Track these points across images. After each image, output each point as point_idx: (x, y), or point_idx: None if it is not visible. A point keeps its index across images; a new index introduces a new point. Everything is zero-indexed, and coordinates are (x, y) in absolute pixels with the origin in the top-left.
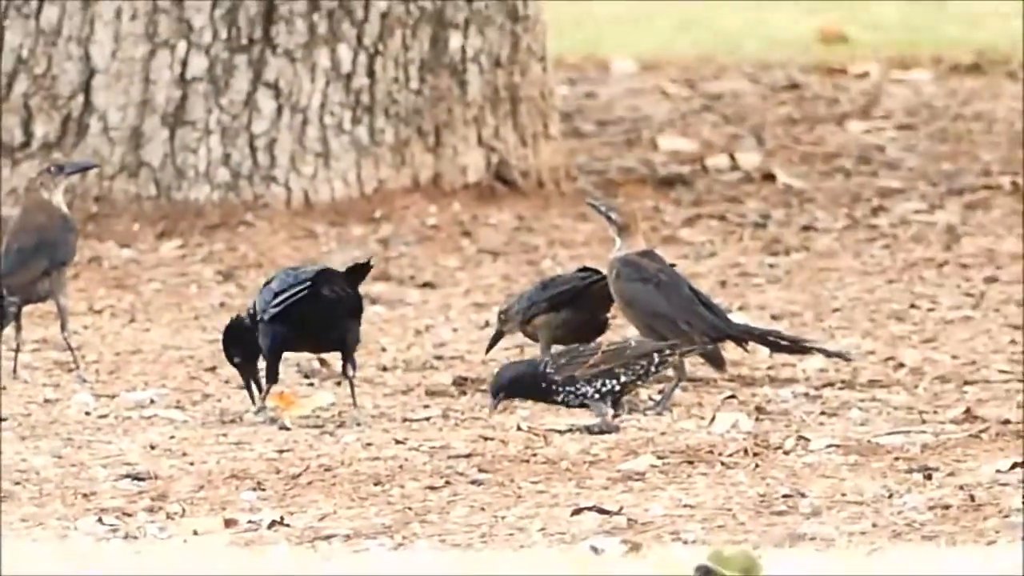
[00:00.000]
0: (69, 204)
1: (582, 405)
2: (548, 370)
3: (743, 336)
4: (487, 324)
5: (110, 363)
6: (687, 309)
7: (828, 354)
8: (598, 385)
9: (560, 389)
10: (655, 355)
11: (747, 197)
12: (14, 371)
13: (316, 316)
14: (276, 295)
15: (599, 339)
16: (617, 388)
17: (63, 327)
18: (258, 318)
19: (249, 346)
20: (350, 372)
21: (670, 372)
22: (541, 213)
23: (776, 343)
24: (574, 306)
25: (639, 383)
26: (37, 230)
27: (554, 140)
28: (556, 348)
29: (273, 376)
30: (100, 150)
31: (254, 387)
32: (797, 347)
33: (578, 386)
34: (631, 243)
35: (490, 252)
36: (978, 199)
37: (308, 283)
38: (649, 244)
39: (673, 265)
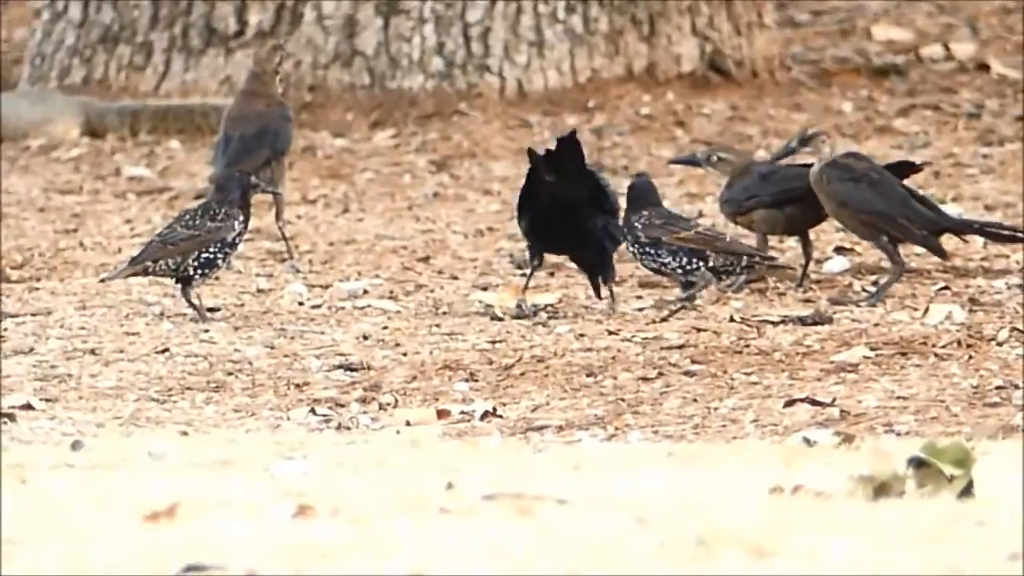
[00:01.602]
0: (283, 93)
1: (657, 270)
2: (637, 223)
3: (961, 229)
4: (700, 214)
5: (323, 253)
6: (903, 204)
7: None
8: (681, 260)
9: (640, 246)
10: (744, 257)
11: (961, 87)
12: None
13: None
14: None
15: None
16: (698, 271)
17: (278, 216)
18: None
19: None
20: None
21: (885, 264)
22: (755, 103)
23: (994, 233)
24: (798, 204)
25: (719, 277)
26: (258, 119)
27: (768, 29)
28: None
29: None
30: (314, 39)
31: None
32: (1015, 237)
33: (660, 251)
34: (834, 146)
35: (704, 142)
36: None
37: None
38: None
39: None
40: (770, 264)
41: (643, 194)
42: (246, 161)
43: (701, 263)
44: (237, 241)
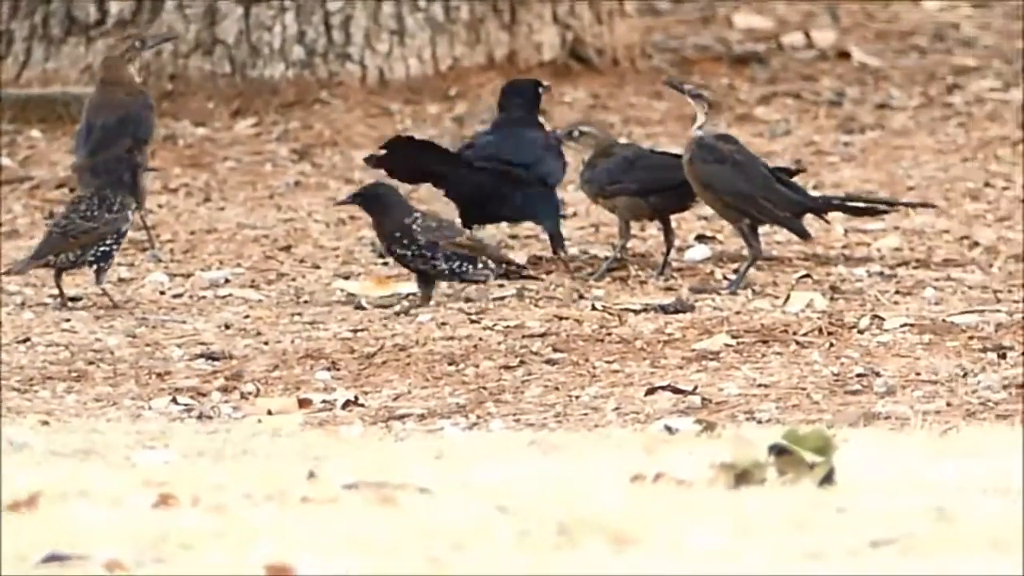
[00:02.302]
0: (144, 82)
1: (420, 271)
2: (415, 226)
3: (823, 208)
4: (563, 203)
5: (185, 242)
6: (765, 186)
7: (911, 205)
8: (454, 265)
9: (416, 248)
10: (504, 265)
11: (822, 75)
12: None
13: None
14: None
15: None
16: (467, 275)
17: (139, 206)
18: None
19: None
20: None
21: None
22: (616, 91)
23: (856, 208)
24: (662, 194)
25: (483, 281)
26: (119, 107)
27: (629, 17)
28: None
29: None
30: (175, 27)
31: None
32: (877, 209)
33: (436, 255)
34: (716, 122)
35: None
36: None
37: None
38: (725, 122)
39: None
40: (523, 275)
41: (391, 202)
42: (108, 149)
43: (468, 266)
44: (127, 231)
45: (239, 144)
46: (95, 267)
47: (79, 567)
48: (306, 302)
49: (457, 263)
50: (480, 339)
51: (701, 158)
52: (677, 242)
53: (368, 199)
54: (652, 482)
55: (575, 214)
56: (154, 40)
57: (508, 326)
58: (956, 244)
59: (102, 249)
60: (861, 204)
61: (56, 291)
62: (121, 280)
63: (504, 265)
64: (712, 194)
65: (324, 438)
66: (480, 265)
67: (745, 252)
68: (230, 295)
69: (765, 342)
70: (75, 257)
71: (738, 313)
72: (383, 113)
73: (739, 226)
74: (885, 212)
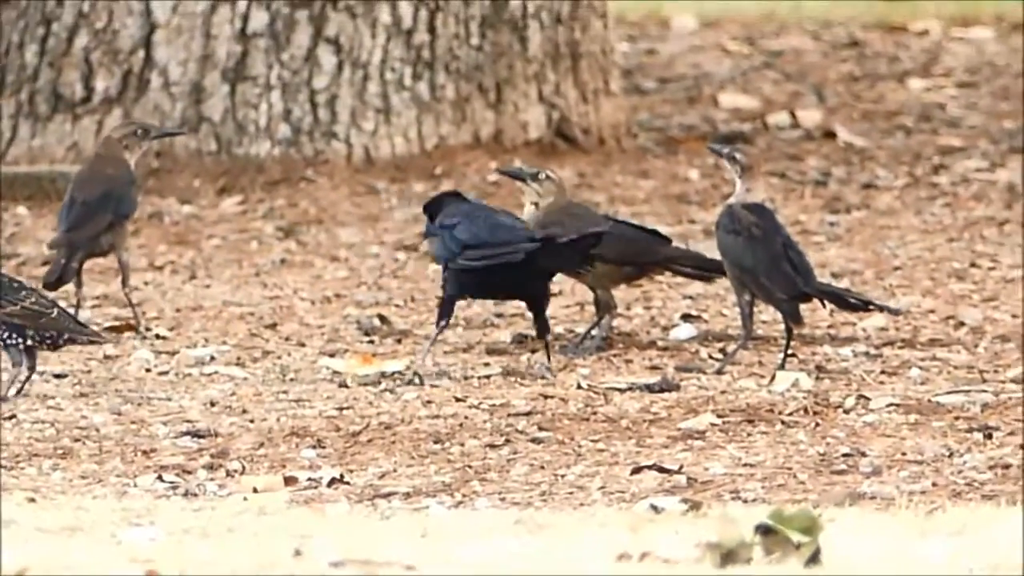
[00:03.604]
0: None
1: None
2: None
3: (822, 297)
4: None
5: (171, 319)
6: (771, 265)
7: (894, 312)
8: (3, 334)
9: None
10: (66, 333)
11: (808, 155)
12: None
13: (516, 275)
14: (469, 247)
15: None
16: (21, 345)
17: (124, 282)
18: (445, 262)
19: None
20: (546, 335)
21: (732, 332)
22: (602, 170)
23: (847, 302)
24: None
25: (44, 348)
26: (103, 183)
27: (615, 97)
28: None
29: (449, 316)
30: (161, 105)
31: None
32: (865, 307)
33: None
34: (751, 188)
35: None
36: None
37: (525, 251)
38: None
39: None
40: (93, 340)
41: None
42: (87, 226)
43: (18, 338)
44: None
45: (225, 222)
46: None
47: None
48: (292, 380)
49: (6, 333)
50: (466, 417)
51: (723, 226)
52: (663, 320)
53: None
54: (638, 561)
55: (560, 292)
56: (158, 132)
57: (494, 404)
58: (942, 324)
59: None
60: (851, 300)
61: (42, 370)
62: (107, 357)
63: (68, 333)
64: (726, 263)
65: (310, 516)
66: (28, 340)
67: (732, 332)
68: (216, 372)
69: (751, 422)
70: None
71: (724, 392)
72: (369, 191)
73: (740, 301)
74: (869, 311)
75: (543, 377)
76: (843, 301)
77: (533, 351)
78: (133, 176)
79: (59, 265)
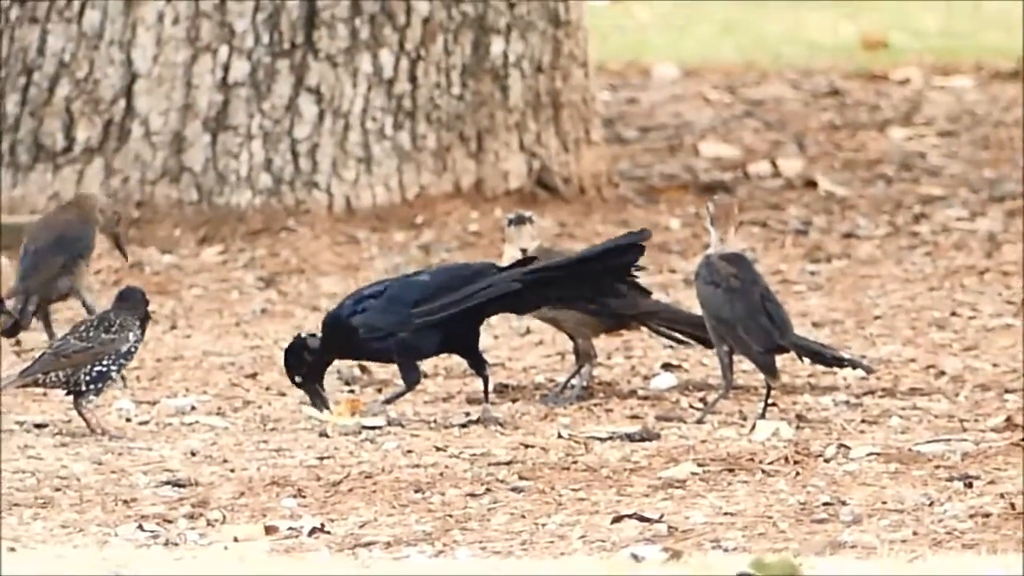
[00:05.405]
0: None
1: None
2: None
3: (798, 351)
4: (528, 331)
5: (151, 369)
6: (749, 317)
7: (868, 370)
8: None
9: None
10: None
11: (789, 203)
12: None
13: (466, 324)
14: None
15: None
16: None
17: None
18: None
19: (312, 365)
20: (486, 372)
21: (712, 381)
22: (583, 219)
23: (823, 356)
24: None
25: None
26: (57, 227)
27: (596, 146)
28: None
29: (417, 379)
30: (142, 155)
31: (319, 402)
32: (839, 363)
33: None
34: (724, 237)
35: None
36: (1020, 206)
37: (480, 295)
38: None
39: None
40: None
41: None
42: (39, 273)
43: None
44: (132, 351)
45: (206, 271)
46: (89, 387)
47: None
48: (272, 429)
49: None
50: (446, 467)
51: (702, 277)
52: (643, 370)
53: None
54: None
55: (541, 342)
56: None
57: (474, 454)
58: (922, 373)
59: (97, 369)
60: (824, 355)
61: (22, 419)
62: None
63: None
64: (705, 314)
65: (291, 565)
66: None
67: (712, 380)
68: (196, 422)
69: (731, 470)
70: (66, 377)
71: (704, 441)
72: (350, 241)
73: (719, 351)
74: (841, 367)
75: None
76: (819, 356)
77: (514, 400)
78: (92, 215)
79: (17, 311)
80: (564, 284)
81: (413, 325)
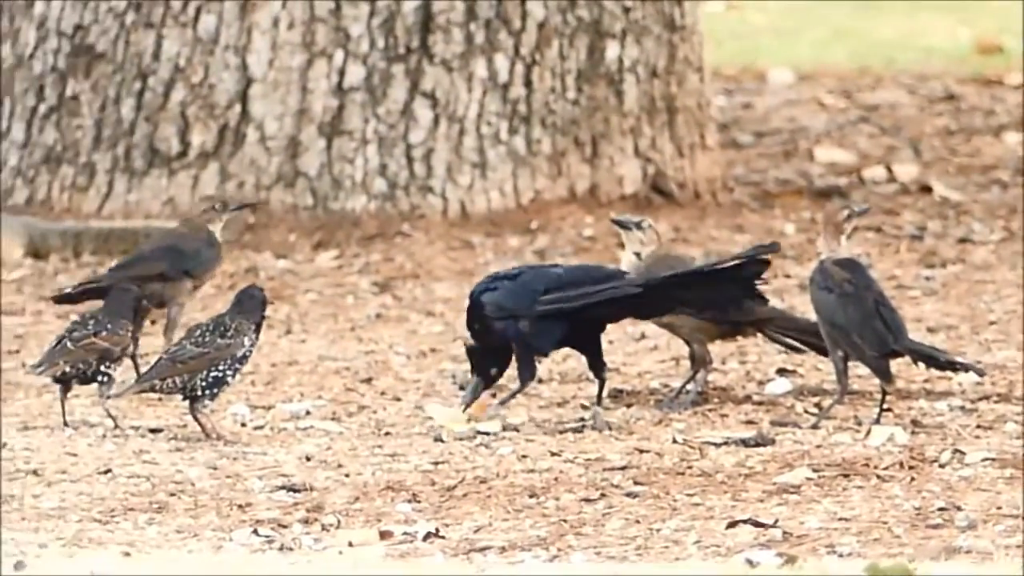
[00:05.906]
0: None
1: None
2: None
3: (913, 355)
4: (643, 336)
5: (266, 374)
6: (863, 323)
7: (980, 372)
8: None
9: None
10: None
11: (904, 209)
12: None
13: (587, 323)
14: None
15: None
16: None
17: (166, 335)
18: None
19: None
20: (603, 375)
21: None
22: (697, 224)
23: (937, 360)
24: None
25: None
26: (169, 237)
27: (711, 151)
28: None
29: (532, 376)
30: (257, 160)
31: (468, 395)
32: (953, 367)
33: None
34: (832, 244)
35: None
36: None
37: (602, 294)
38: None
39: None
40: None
41: None
42: (133, 268)
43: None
44: (247, 356)
45: (320, 276)
46: (205, 392)
47: None
48: (387, 434)
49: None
50: (561, 472)
51: (816, 282)
52: (758, 375)
53: None
54: None
55: (656, 347)
56: (235, 204)
57: (589, 459)
58: None
59: (213, 375)
60: (939, 360)
61: (137, 424)
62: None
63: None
64: (819, 320)
65: (405, 570)
66: None
67: (827, 386)
68: (311, 427)
69: (846, 476)
70: (183, 383)
71: (819, 447)
72: (464, 246)
73: (834, 356)
74: (956, 371)
75: (597, 428)
76: (933, 360)
77: (628, 405)
78: (212, 238)
79: (79, 284)
80: (688, 293)
81: (536, 312)
